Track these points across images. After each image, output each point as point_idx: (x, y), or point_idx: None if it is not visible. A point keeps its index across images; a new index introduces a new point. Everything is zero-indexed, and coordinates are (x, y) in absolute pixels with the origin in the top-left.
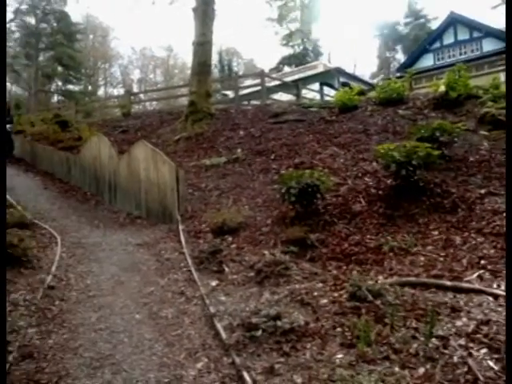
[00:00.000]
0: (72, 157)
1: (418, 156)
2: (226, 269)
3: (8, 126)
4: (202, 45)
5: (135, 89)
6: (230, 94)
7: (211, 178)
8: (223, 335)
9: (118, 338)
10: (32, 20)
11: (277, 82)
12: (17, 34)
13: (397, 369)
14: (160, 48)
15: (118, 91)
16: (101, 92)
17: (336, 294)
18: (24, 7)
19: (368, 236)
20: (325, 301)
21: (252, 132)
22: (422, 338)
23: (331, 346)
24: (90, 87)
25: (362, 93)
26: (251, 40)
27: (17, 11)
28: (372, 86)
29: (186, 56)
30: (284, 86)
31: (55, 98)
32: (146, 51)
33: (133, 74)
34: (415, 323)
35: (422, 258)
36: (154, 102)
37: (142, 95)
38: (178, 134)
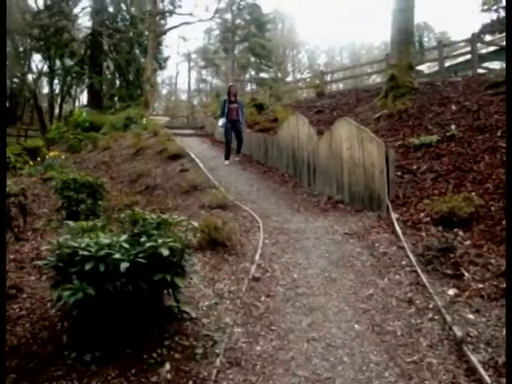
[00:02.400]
0: (269, 138)
1: None
2: (466, 274)
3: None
4: (403, 10)
5: (318, 79)
6: (425, 69)
7: (422, 159)
8: (485, 377)
9: (336, 355)
10: (228, 16)
11: (488, 50)
12: (216, 32)
13: None
14: (346, 29)
15: (304, 81)
16: (289, 78)
17: None
18: (222, 6)
19: None
20: None
21: (467, 106)
22: None
23: None
24: (279, 74)
25: None
26: (443, 11)
27: (217, 10)
28: None
29: (371, 36)
30: (500, 53)
31: (249, 87)
32: (333, 34)
33: (319, 59)
34: None
35: None
36: (341, 84)
37: (328, 77)
38: (377, 112)
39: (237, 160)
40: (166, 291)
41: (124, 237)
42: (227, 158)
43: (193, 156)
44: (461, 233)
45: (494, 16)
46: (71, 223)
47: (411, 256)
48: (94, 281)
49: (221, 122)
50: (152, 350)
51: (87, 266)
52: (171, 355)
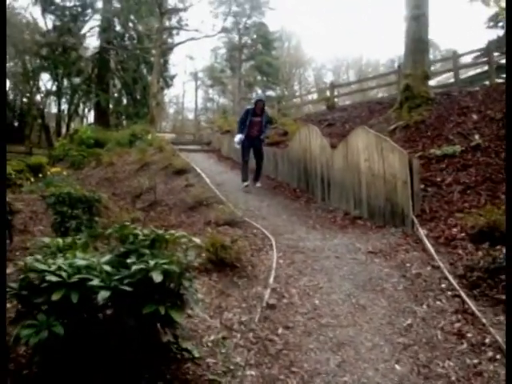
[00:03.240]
0: (279, 151)
1: None
2: None
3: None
4: (417, 18)
5: (328, 92)
6: (433, 83)
7: (446, 171)
8: None
9: None
10: (235, 35)
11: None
12: (223, 50)
13: None
14: (352, 47)
15: (312, 96)
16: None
17: None
18: (228, 24)
19: None
20: None
21: (489, 114)
22: None
23: None
24: (286, 92)
25: None
26: (447, 29)
27: (223, 28)
28: None
29: (378, 53)
30: None
31: None
32: (339, 52)
33: (326, 77)
34: None
35: None
36: (347, 101)
37: (338, 90)
38: (392, 124)
39: (258, 186)
40: (159, 325)
41: (107, 257)
42: (245, 179)
43: (199, 171)
44: (505, 250)
45: (501, 32)
46: (46, 240)
47: (450, 278)
48: (64, 315)
49: (237, 137)
50: None
51: (54, 297)
52: None
